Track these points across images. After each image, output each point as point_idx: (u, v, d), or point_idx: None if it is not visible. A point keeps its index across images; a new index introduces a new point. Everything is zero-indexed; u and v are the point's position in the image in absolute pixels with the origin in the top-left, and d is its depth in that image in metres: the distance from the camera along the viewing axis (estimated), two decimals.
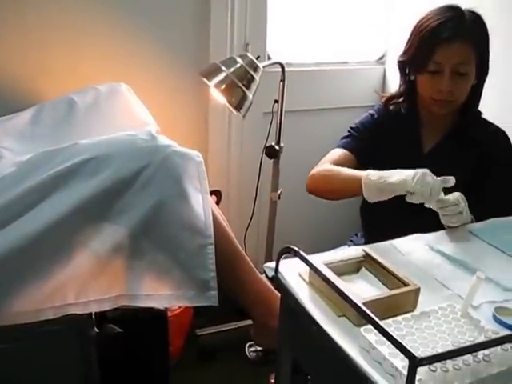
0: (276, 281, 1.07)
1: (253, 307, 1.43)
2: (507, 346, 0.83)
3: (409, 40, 1.52)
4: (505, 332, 0.91)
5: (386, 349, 0.82)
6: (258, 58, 1.61)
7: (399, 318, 0.91)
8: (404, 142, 1.58)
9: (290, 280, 1.05)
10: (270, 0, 1.95)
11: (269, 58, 2.00)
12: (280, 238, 1.86)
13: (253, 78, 1.56)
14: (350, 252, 1.12)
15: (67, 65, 1.74)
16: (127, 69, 1.82)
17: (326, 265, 1.00)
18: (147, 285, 1.20)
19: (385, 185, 1.27)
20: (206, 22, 1.87)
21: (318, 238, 1.90)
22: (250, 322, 1.50)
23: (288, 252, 1.01)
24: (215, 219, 1.31)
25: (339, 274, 0.99)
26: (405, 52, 1.54)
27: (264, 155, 1.82)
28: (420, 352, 0.81)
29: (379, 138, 1.60)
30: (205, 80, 1.54)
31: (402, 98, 1.61)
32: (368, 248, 1.12)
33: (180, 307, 1.71)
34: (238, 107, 1.55)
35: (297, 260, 0.99)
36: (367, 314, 0.81)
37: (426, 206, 1.27)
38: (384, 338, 0.78)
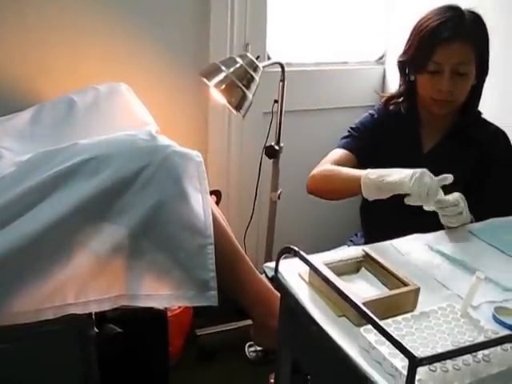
0: (276, 281, 1.07)
1: (253, 307, 1.43)
2: (507, 345, 0.83)
3: (409, 40, 1.52)
4: (504, 332, 0.91)
5: (386, 349, 0.82)
6: (257, 58, 1.61)
7: (399, 318, 0.91)
8: (404, 142, 1.59)
9: (290, 280, 1.05)
10: (269, 0, 1.95)
11: (269, 58, 2.00)
12: (280, 238, 1.86)
13: (253, 78, 1.56)
14: (349, 252, 1.12)
15: (67, 65, 1.74)
16: (127, 69, 1.82)
17: (326, 265, 1.00)
18: (147, 285, 1.20)
19: (383, 184, 1.27)
20: (206, 21, 1.87)
21: (318, 238, 1.91)
22: (249, 321, 1.50)
23: (288, 252, 1.01)
24: (215, 219, 1.31)
25: (339, 273, 0.99)
26: (405, 52, 1.54)
27: (264, 155, 1.82)
28: (420, 352, 0.81)
29: (379, 137, 1.60)
30: (205, 80, 1.54)
31: (401, 98, 1.61)
32: (368, 248, 1.12)
33: (180, 307, 1.71)
34: (238, 107, 1.55)
35: (297, 260, 0.99)
36: (367, 314, 0.81)
37: (426, 209, 1.26)
38: (384, 338, 0.78)
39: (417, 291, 0.97)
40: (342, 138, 1.64)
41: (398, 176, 1.26)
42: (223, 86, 1.53)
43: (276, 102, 1.74)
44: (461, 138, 1.55)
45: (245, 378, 1.82)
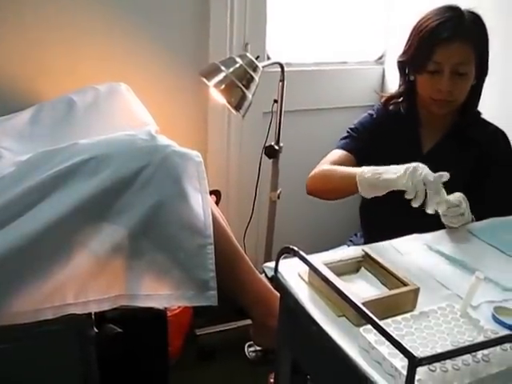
0: (275, 281, 1.07)
1: (252, 307, 1.43)
2: (506, 345, 0.83)
3: (408, 40, 1.52)
4: (504, 332, 0.91)
5: (386, 349, 0.82)
6: (257, 58, 1.61)
7: (398, 317, 0.91)
8: (403, 142, 1.59)
9: (290, 280, 1.05)
10: (269, 0, 1.95)
11: (268, 58, 2.00)
12: (279, 238, 1.86)
13: (252, 78, 1.56)
14: (349, 252, 1.12)
15: (66, 64, 1.74)
16: (126, 68, 1.82)
17: (326, 265, 1.00)
18: (147, 285, 1.20)
19: (379, 181, 1.28)
20: (206, 21, 1.87)
21: (318, 238, 1.91)
22: (249, 321, 1.50)
23: (287, 252, 1.01)
24: (215, 219, 1.31)
25: (339, 273, 0.99)
26: (404, 52, 1.54)
27: (263, 155, 1.82)
28: (419, 352, 0.81)
29: (378, 138, 1.60)
30: (204, 80, 1.54)
31: (401, 98, 1.61)
32: (367, 248, 1.12)
33: (179, 307, 1.71)
34: (238, 107, 1.55)
35: (296, 260, 0.99)
36: (367, 314, 0.81)
37: (429, 211, 1.23)
38: (383, 338, 0.78)
39: (416, 291, 0.98)
40: (341, 139, 1.64)
41: (392, 173, 1.26)
42: (223, 86, 1.53)
43: (276, 101, 1.74)
44: (460, 138, 1.55)
45: (244, 378, 1.82)
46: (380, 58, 2.35)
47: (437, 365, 0.78)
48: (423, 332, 0.88)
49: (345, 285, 0.91)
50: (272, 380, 1.60)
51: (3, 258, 1.08)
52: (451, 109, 1.52)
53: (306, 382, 1.20)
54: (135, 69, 1.83)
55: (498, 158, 1.52)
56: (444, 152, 1.55)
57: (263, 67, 1.61)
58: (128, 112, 1.63)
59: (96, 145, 1.27)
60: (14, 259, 1.09)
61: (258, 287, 1.43)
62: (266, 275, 1.37)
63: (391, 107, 1.63)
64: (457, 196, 1.27)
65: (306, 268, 1.00)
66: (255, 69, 1.58)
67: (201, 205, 1.26)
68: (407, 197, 1.22)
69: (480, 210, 1.34)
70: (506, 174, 1.52)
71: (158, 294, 1.21)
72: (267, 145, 1.80)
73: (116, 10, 1.76)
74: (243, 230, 2.00)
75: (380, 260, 1.06)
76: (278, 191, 1.84)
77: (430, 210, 1.22)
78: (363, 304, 0.83)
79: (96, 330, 1.20)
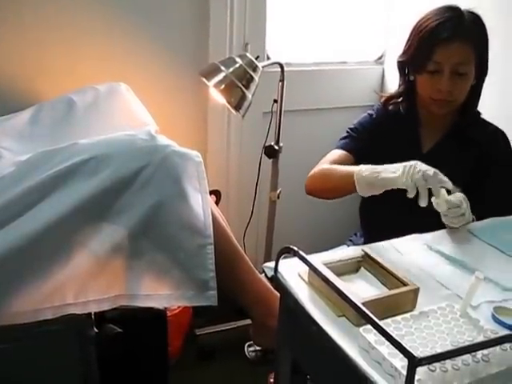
0: (275, 281, 1.07)
1: (252, 307, 1.43)
2: (506, 345, 0.83)
3: (408, 40, 1.52)
4: (504, 332, 0.91)
5: (386, 349, 0.82)
6: (257, 58, 1.61)
7: (398, 317, 0.91)
8: (403, 142, 1.59)
9: (290, 280, 1.05)
10: (269, 0, 1.95)
11: (268, 58, 2.00)
12: (279, 238, 1.86)
13: (252, 78, 1.56)
14: (349, 252, 1.12)
15: (65, 64, 1.74)
16: (126, 68, 1.82)
17: (326, 265, 1.00)
18: (146, 285, 1.20)
19: (377, 180, 1.28)
20: (206, 21, 1.87)
21: (318, 238, 1.91)
22: (249, 321, 1.50)
23: (287, 252, 1.01)
24: (214, 219, 1.31)
25: (338, 273, 0.99)
26: (404, 52, 1.54)
27: (263, 155, 1.82)
28: (419, 352, 0.82)
29: (378, 138, 1.60)
30: (204, 80, 1.54)
31: (401, 98, 1.61)
32: (367, 248, 1.12)
33: (179, 307, 1.71)
34: (238, 107, 1.55)
35: (296, 260, 0.99)
36: (366, 314, 0.81)
37: (435, 206, 1.23)
38: (383, 338, 0.78)
39: (416, 291, 0.98)
40: (340, 139, 1.64)
41: (390, 172, 1.26)
42: (223, 86, 1.53)
43: (275, 101, 1.74)
44: (460, 138, 1.55)
45: (244, 378, 1.82)
46: (380, 57, 2.35)
47: (436, 365, 0.78)
48: (423, 332, 0.88)
49: (345, 285, 0.91)
50: (272, 380, 1.60)
51: (3, 258, 1.08)
52: (451, 109, 1.52)
53: (305, 382, 1.21)
54: (135, 69, 1.83)
55: (497, 158, 1.52)
56: (444, 152, 1.55)
57: (263, 67, 1.61)
58: (128, 112, 1.63)
59: (96, 145, 1.27)
60: (13, 259, 1.09)
61: (257, 287, 1.43)
62: (265, 275, 1.37)
63: (391, 107, 1.63)
64: (457, 196, 1.27)
65: (306, 268, 1.00)
66: (255, 69, 1.58)
67: (201, 205, 1.26)
68: (409, 195, 1.22)
69: (480, 210, 1.34)
70: (506, 174, 1.52)
71: (158, 293, 1.21)
72: (267, 145, 1.80)
73: (116, 10, 1.76)
74: (243, 229, 2.00)
75: (380, 260, 1.06)
76: (278, 191, 1.84)
77: (435, 205, 1.23)
78: (363, 304, 0.83)
79: (96, 330, 1.20)
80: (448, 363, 0.79)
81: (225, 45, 1.90)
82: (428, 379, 0.78)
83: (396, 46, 1.82)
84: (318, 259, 1.01)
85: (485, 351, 0.81)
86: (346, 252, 1.13)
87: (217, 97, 1.59)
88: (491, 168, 1.51)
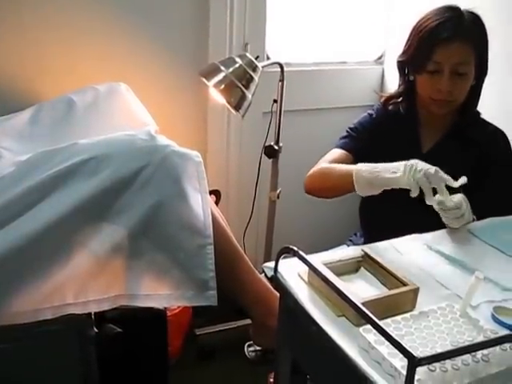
0: (275, 281, 1.07)
1: (252, 307, 1.43)
2: (506, 345, 0.83)
3: (408, 40, 1.52)
4: (504, 332, 0.91)
5: (385, 349, 0.82)
6: (257, 58, 1.61)
7: (398, 317, 0.91)
8: (403, 142, 1.59)
9: (290, 280, 1.05)
10: (269, 0, 1.95)
11: (268, 58, 2.00)
12: (279, 238, 1.86)
13: (252, 78, 1.56)
14: (349, 252, 1.12)
15: (65, 64, 1.74)
16: (125, 68, 1.82)
17: (325, 265, 1.00)
18: (146, 285, 1.20)
19: (378, 179, 1.28)
20: (205, 21, 1.87)
21: (317, 238, 1.91)
22: (249, 321, 1.50)
23: (287, 252, 1.01)
24: (214, 219, 1.31)
25: (338, 273, 0.99)
26: (404, 52, 1.54)
27: (263, 155, 1.82)
28: (419, 352, 0.82)
29: (378, 137, 1.60)
30: (204, 80, 1.54)
31: (401, 98, 1.61)
32: (367, 248, 1.12)
33: (179, 307, 1.71)
34: (237, 107, 1.55)
35: (296, 260, 0.99)
36: (366, 314, 0.81)
37: (436, 200, 1.24)
38: (383, 338, 0.78)
39: (416, 291, 0.98)
40: (340, 139, 1.64)
41: (390, 171, 1.26)
42: (222, 86, 1.53)
43: (275, 101, 1.74)
44: (460, 138, 1.55)
45: (244, 378, 1.82)
46: (379, 57, 2.35)
47: (436, 365, 0.78)
48: (423, 332, 0.88)
49: (344, 285, 0.91)
50: (272, 380, 1.60)
51: (3, 258, 1.08)
52: (451, 109, 1.52)
53: (305, 382, 1.20)
54: (135, 69, 1.83)
55: (497, 158, 1.52)
56: (444, 152, 1.55)
57: (263, 67, 1.61)
58: (128, 112, 1.63)
59: (96, 145, 1.27)
60: (13, 259, 1.09)
61: (257, 287, 1.43)
62: (265, 275, 1.37)
63: (391, 107, 1.63)
64: (458, 198, 1.27)
65: (306, 268, 1.00)
66: (255, 69, 1.58)
67: (200, 205, 1.26)
68: (412, 195, 1.22)
69: (480, 210, 1.34)
70: (506, 174, 1.52)
71: (158, 293, 1.21)
72: (267, 145, 1.80)
73: (116, 10, 1.76)
74: (243, 229, 2.00)
75: (380, 260, 1.06)
76: (278, 191, 1.84)
77: (438, 199, 1.24)
78: (363, 304, 0.83)
79: (96, 329, 1.20)
80: (448, 363, 0.80)
81: (225, 45, 1.90)
82: (428, 379, 0.78)
83: (396, 45, 1.82)
84: (318, 259, 1.01)
85: (484, 351, 0.81)
86: (346, 252, 1.13)
87: (217, 97, 1.59)
88: (491, 168, 1.51)
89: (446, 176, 1.23)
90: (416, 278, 1.02)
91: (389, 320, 0.90)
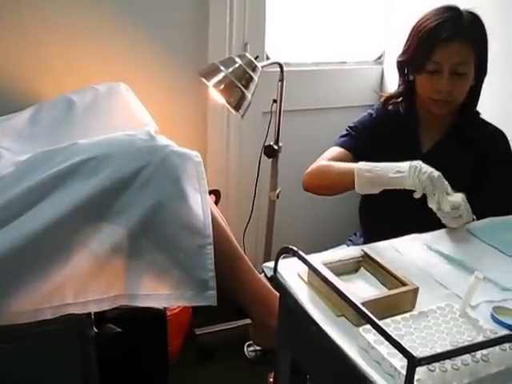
0: (275, 280, 1.07)
1: (251, 306, 1.43)
2: (505, 345, 0.83)
3: (407, 40, 1.52)
4: (503, 332, 0.91)
5: (385, 349, 0.82)
6: (256, 58, 1.61)
7: (398, 317, 0.91)
8: (403, 142, 1.59)
9: (289, 280, 1.05)
10: (268, 0, 1.95)
11: (267, 58, 2.00)
12: (279, 238, 1.86)
13: (251, 78, 1.56)
14: (348, 252, 1.12)
15: (65, 64, 1.74)
16: (125, 68, 1.82)
17: (325, 265, 1.00)
18: (146, 285, 1.20)
19: (382, 178, 1.27)
20: (205, 21, 1.87)
21: (317, 238, 1.91)
22: (248, 321, 1.50)
23: (287, 252, 1.01)
24: (214, 219, 1.31)
25: (338, 273, 0.99)
26: (404, 52, 1.54)
27: (263, 155, 1.82)
28: (419, 352, 0.82)
29: (377, 137, 1.60)
30: (203, 80, 1.54)
31: (400, 98, 1.61)
32: (367, 248, 1.12)
33: (179, 307, 1.71)
34: (237, 107, 1.56)
35: (296, 260, 0.99)
36: (366, 314, 0.81)
37: (434, 202, 1.24)
38: (383, 338, 0.78)
39: (415, 291, 0.98)
40: (340, 137, 1.64)
41: (394, 171, 1.26)
42: (222, 86, 1.53)
43: (275, 101, 1.74)
44: (459, 138, 1.55)
45: (244, 378, 1.82)
46: (379, 57, 2.35)
47: (436, 365, 0.78)
48: (422, 332, 0.88)
49: (344, 285, 0.91)
50: (271, 380, 1.60)
51: (3, 257, 1.08)
52: (450, 109, 1.52)
53: (305, 382, 1.21)
54: (135, 69, 1.83)
55: (496, 158, 1.52)
56: (443, 152, 1.55)
57: (262, 67, 1.61)
58: (127, 112, 1.63)
59: (95, 145, 1.27)
60: (13, 259, 1.09)
61: (257, 287, 1.43)
62: (265, 275, 1.37)
63: (390, 107, 1.64)
64: (457, 198, 1.27)
65: (306, 268, 1.00)
66: (254, 69, 1.58)
67: (200, 205, 1.26)
68: (416, 196, 1.23)
69: (480, 210, 1.34)
70: (505, 174, 1.52)
71: (158, 293, 1.21)
72: (266, 144, 1.80)
73: (115, 10, 1.76)
74: (243, 229, 2.00)
75: (379, 260, 1.06)
76: (278, 191, 1.84)
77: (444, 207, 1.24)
78: (362, 304, 0.84)
79: (96, 329, 1.20)
80: (447, 363, 0.80)
81: (224, 45, 1.90)
82: (427, 379, 0.78)
83: (395, 45, 1.82)
84: (318, 259, 1.01)
85: (484, 351, 0.82)
86: (346, 252, 1.13)
87: (216, 97, 1.59)
88: (490, 168, 1.52)
89: (445, 181, 1.24)
90: (416, 278, 1.02)
91: (388, 320, 0.90)
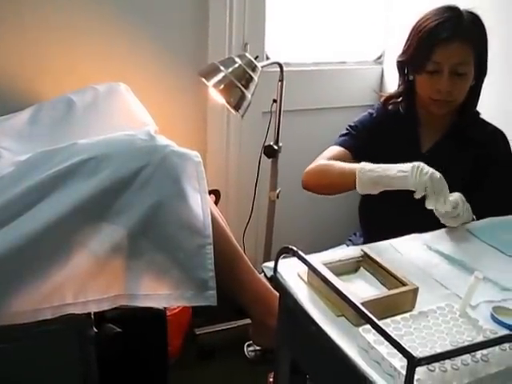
0: (275, 280, 1.07)
1: (251, 306, 1.44)
2: (505, 345, 0.84)
3: (407, 40, 1.52)
4: (503, 332, 0.91)
5: (385, 349, 0.82)
6: (256, 58, 1.61)
7: (398, 317, 0.91)
8: (402, 142, 1.59)
9: (289, 280, 1.06)
10: (268, 0, 1.95)
11: (267, 58, 2.00)
12: (279, 238, 1.86)
13: (251, 78, 1.56)
14: (348, 252, 1.12)
15: (65, 64, 1.74)
16: (125, 68, 1.82)
17: (325, 265, 1.00)
18: (146, 285, 1.20)
19: (384, 178, 1.27)
20: (205, 21, 1.87)
21: (317, 238, 1.91)
22: (248, 321, 1.50)
23: (287, 252, 1.01)
24: (214, 219, 1.31)
25: (338, 273, 0.99)
26: (403, 52, 1.54)
27: (263, 155, 1.82)
28: (418, 352, 0.82)
29: (377, 137, 1.60)
30: (203, 80, 1.54)
31: (400, 98, 1.61)
32: (366, 248, 1.12)
33: (179, 306, 1.71)
34: (237, 107, 1.55)
35: (295, 260, 0.99)
36: (366, 314, 0.81)
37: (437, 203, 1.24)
38: (382, 338, 0.78)
39: (415, 291, 0.98)
40: (340, 136, 1.64)
41: (397, 171, 1.26)
42: (222, 86, 1.53)
43: (275, 101, 1.74)
44: (459, 138, 1.55)
45: (244, 377, 1.82)
46: (379, 57, 2.35)
47: (436, 365, 0.78)
48: (422, 332, 0.88)
49: (344, 285, 0.91)
50: (271, 379, 1.60)
51: (3, 257, 1.08)
52: (450, 109, 1.52)
53: (305, 382, 1.21)
54: (134, 69, 1.83)
55: (496, 158, 1.52)
56: (443, 152, 1.55)
57: (262, 67, 1.61)
58: (127, 112, 1.63)
59: (95, 145, 1.27)
60: (13, 259, 1.09)
61: (257, 286, 1.43)
62: (265, 275, 1.37)
63: (390, 107, 1.64)
64: (454, 197, 1.27)
65: (305, 268, 1.00)
66: (254, 69, 1.58)
67: (200, 205, 1.26)
68: (417, 196, 1.23)
69: (479, 210, 1.34)
70: (505, 174, 1.52)
71: (157, 293, 1.21)
72: (266, 144, 1.80)
73: (115, 10, 1.76)
74: (242, 229, 2.00)
75: (379, 260, 1.06)
76: (277, 191, 1.84)
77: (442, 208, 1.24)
78: (362, 304, 0.84)
79: (95, 329, 1.20)
80: (447, 363, 0.80)
81: (224, 45, 1.90)
82: (427, 379, 0.78)
83: (395, 45, 1.82)
84: (318, 259, 1.01)
85: (484, 351, 0.82)
86: (346, 252, 1.13)
87: (216, 97, 1.59)
88: (490, 168, 1.52)
89: (445, 183, 1.24)
90: (415, 278, 1.02)
91: (388, 320, 0.90)
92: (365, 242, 1.52)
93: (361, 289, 1.02)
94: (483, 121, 1.58)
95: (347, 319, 0.94)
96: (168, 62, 1.88)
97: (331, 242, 1.62)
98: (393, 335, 0.76)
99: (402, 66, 1.57)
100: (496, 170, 1.51)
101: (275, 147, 1.78)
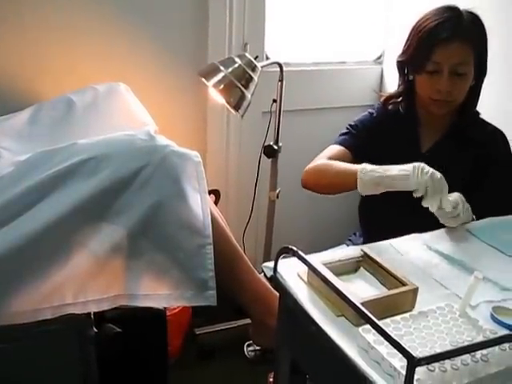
0: (274, 280, 1.07)
1: (251, 306, 1.44)
2: (505, 345, 0.84)
3: (407, 40, 1.52)
4: (503, 332, 0.92)
5: (385, 349, 0.82)
6: (256, 58, 1.61)
7: (397, 317, 0.91)
8: (402, 142, 1.59)
9: (289, 280, 1.06)
10: (268, 0, 1.95)
11: (267, 58, 2.00)
12: (278, 238, 1.86)
13: (251, 78, 1.56)
14: (348, 252, 1.12)
15: (65, 64, 1.74)
16: (125, 68, 1.82)
17: (325, 265, 1.00)
18: (146, 285, 1.20)
19: (383, 179, 1.27)
20: (205, 21, 1.87)
21: (317, 238, 1.91)
22: (248, 321, 1.50)
23: (286, 252, 1.01)
24: (214, 219, 1.31)
25: (338, 273, 0.99)
26: (403, 52, 1.54)
27: (262, 155, 1.82)
28: (418, 352, 0.82)
29: (377, 136, 1.60)
30: (203, 80, 1.54)
31: (400, 98, 1.61)
32: (366, 248, 1.12)
33: (179, 306, 1.71)
34: (237, 107, 1.55)
35: (295, 260, 0.99)
36: (365, 314, 0.81)
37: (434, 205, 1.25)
38: (382, 338, 0.78)
39: (415, 291, 0.98)
40: (340, 135, 1.64)
41: (399, 172, 1.26)
42: (222, 86, 1.53)
43: (275, 101, 1.74)
44: (459, 138, 1.55)
45: (244, 377, 1.82)
46: (379, 57, 2.35)
47: (436, 365, 0.78)
48: (422, 332, 0.88)
49: (344, 285, 0.91)
50: (271, 379, 1.60)
51: (2, 257, 1.08)
52: (450, 109, 1.52)
53: (305, 382, 1.21)
54: (134, 69, 1.83)
55: (496, 158, 1.52)
56: (443, 152, 1.55)
57: (262, 67, 1.61)
58: (127, 112, 1.63)
59: (95, 145, 1.27)
60: (13, 259, 1.09)
61: (256, 286, 1.43)
62: (265, 275, 1.37)
63: (390, 107, 1.64)
64: (454, 197, 1.27)
65: (305, 268, 1.00)
66: (254, 69, 1.58)
67: (200, 205, 1.26)
68: (416, 195, 1.23)
69: (479, 210, 1.34)
70: (505, 174, 1.52)
71: (157, 293, 1.21)
72: (266, 144, 1.80)
73: (115, 10, 1.76)
74: (242, 229, 2.00)
75: (379, 260, 1.06)
76: (277, 191, 1.84)
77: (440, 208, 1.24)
78: (362, 304, 0.84)
79: (95, 329, 1.20)
80: (447, 363, 0.80)
81: (224, 45, 1.90)
82: (427, 379, 0.78)
83: (395, 45, 1.82)
84: (317, 259, 1.01)
85: (484, 351, 0.82)
86: (346, 252, 1.13)
87: (216, 97, 1.59)
88: (490, 168, 1.52)
89: (446, 184, 1.25)
90: (415, 278, 1.02)
91: (388, 320, 0.90)
92: (365, 242, 1.52)
93: (361, 289, 1.02)
94: (483, 121, 1.58)
95: (347, 319, 0.94)
96: (168, 62, 1.88)
97: (331, 242, 1.62)
98: (393, 335, 0.76)
99: (401, 65, 1.57)
100: (496, 169, 1.51)
101: (275, 147, 1.78)
